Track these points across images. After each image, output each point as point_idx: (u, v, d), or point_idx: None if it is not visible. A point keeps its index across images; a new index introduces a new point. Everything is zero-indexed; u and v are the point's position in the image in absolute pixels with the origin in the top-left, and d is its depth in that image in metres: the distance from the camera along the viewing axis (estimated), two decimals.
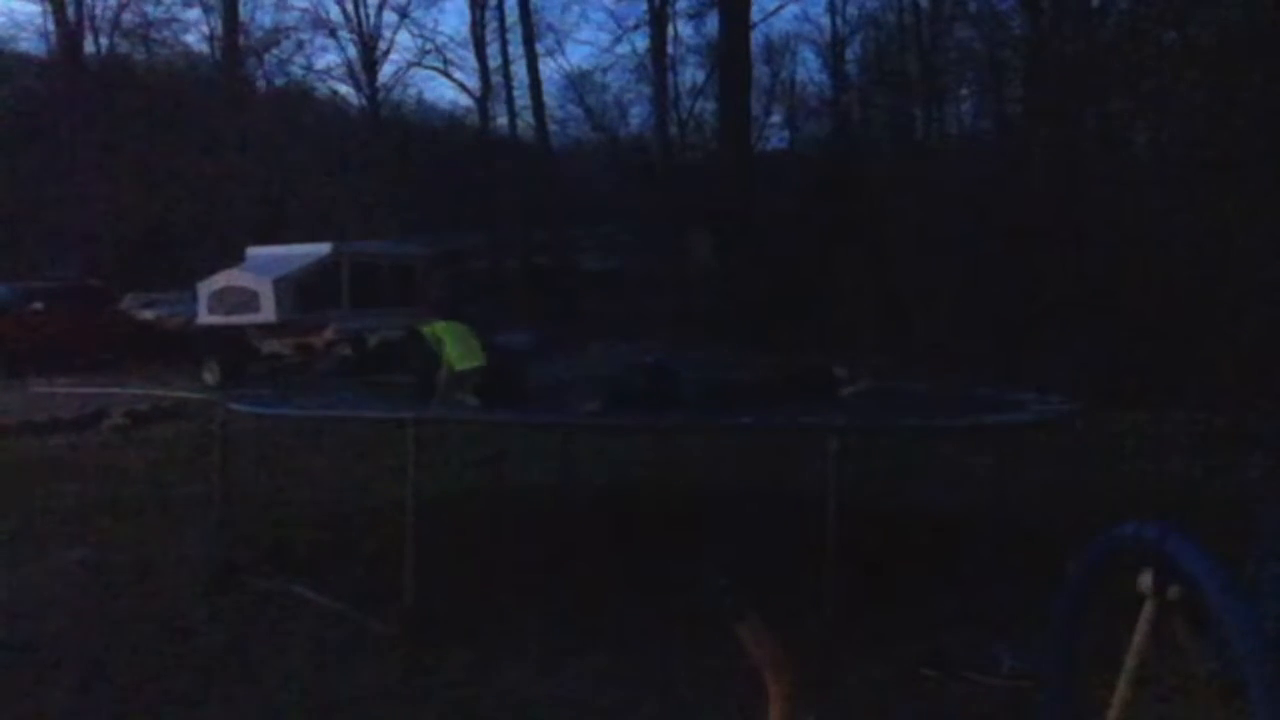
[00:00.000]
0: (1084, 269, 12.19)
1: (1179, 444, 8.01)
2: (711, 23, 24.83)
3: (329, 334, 15.17)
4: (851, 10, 25.46)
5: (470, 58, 29.90)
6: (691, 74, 27.96)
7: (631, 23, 27.82)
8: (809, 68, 45.07)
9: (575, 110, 30.67)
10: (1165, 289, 10.78)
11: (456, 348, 4.85)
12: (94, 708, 3.40)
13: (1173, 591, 1.85)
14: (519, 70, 28.58)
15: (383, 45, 31.81)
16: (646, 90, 27.55)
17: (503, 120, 29.90)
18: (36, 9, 26.47)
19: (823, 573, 3.73)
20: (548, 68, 38.13)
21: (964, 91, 20.78)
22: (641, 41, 27.59)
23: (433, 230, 24.30)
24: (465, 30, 30.57)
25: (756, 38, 24.33)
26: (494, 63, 29.18)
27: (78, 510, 6.29)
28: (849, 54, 25.99)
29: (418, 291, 17.89)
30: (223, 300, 15.35)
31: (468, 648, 3.77)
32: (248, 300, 15.05)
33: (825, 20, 27.86)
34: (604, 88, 29.96)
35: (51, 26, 25.90)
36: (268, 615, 4.24)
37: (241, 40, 28.25)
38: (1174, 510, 5.65)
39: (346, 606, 4.22)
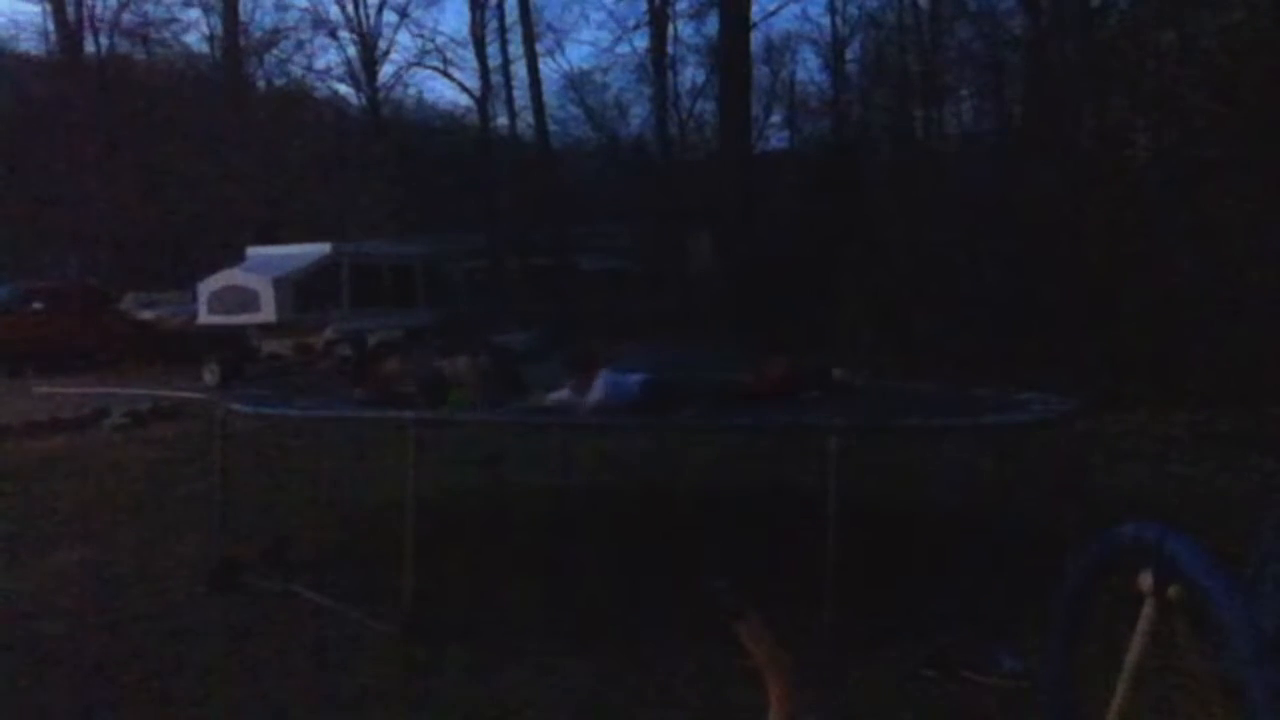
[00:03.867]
0: (1084, 269, 12.18)
1: (1179, 444, 8.01)
2: (711, 23, 24.92)
3: (329, 334, 15.18)
4: (851, 10, 25.55)
5: (470, 58, 30.06)
6: (691, 74, 28.05)
7: (631, 23, 27.98)
8: (809, 68, 45.19)
9: (575, 110, 30.76)
10: (1165, 289, 10.78)
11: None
12: (94, 708, 3.40)
13: (1173, 591, 1.85)
14: (519, 70, 28.71)
15: (383, 45, 31.99)
16: (646, 90, 27.62)
17: (503, 120, 30.01)
18: (36, 9, 26.67)
19: (823, 573, 3.73)
20: (548, 68, 38.19)
21: (964, 91, 20.80)
22: (641, 41, 27.70)
23: (432, 230, 24.31)
24: (465, 30, 30.75)
25: (756, 38, 24.37)
26: (494, 63, 29.29)
27: (78, 510, 6.29)
28: (849, 54, 26.06)
29: (418, 291, 17.91)
30: (223, 300, 15.36)
31: (468, 648, 3.77)
32: (248, 300, 15.06)
33: (825, 20, 27.97)
34: (604, 88, 30.08)
35: (51, 26, 26.02)
36: (268, 615, 4.24)
37: (241, 40, 28.30)
38: (1174, 510, 5.66)
39: (346, 606, 4.22)
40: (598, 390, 4.52)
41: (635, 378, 4.66)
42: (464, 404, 4.66)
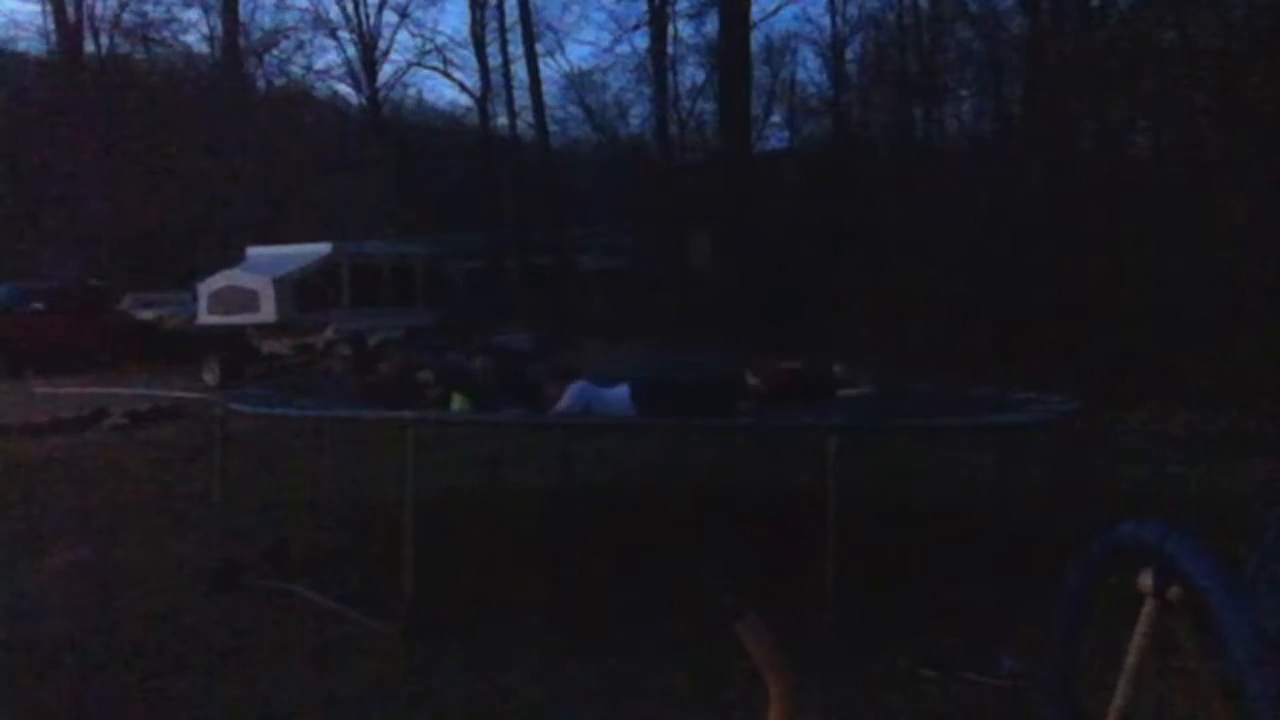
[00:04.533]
0: (1084, 269, 12.19)
1: (1179, 444, 8.01)
2: (711, 23, 24.86)
3: (329, 334, 15.18)
4: (851, 10, 25.44)
5: (470, 58, 30.05)
6: (691, 74, 27.95)
7: (631, 23, 27.89)
8: (809, 68, 45.14)
9: (575, 110, 30.71)
10: (1165, 289, 10.79)
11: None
12: (94, 708, 3.40)
13: (1173, 591, 1.85)
14: (519, 70, 28.69)
15: (383, 45, 31.98)
16: (646, 90, 27.56)
17: (503, 120, 29.97)
18: (36, 9, 26.54)
19: (823, 573, 3.73)
20: (548, 68, 38.26)
21: (964, 92, 20.79)
22: (641, 41, 27.66)
23: (433, 230, 24.32)
24: (465, 30, 30.72)
25: (756, 38, 24.38)
26: (494, 63, 29.27)
27: (78, 510, 6.29)
28: (849, 54, 25.98)
29: (418, 291, 17.91)
30: (223, 300, 15.36)
31: (468, 648, 3.77)
32: (248, 300, 15.07)
33: (825, 20, 27.90)
34: (604, 88, 29.99)
35: (51, 26, 25.96)
36: (268, 615, 4.24)
37: (241, 40, 28.29)
38: (1174, 510, 5.66)
39: (346, 606, 4.22)
40: (565, 402, 4.61)
41: (618, 387, 4.70)
42: (468, 405, 4.68)
